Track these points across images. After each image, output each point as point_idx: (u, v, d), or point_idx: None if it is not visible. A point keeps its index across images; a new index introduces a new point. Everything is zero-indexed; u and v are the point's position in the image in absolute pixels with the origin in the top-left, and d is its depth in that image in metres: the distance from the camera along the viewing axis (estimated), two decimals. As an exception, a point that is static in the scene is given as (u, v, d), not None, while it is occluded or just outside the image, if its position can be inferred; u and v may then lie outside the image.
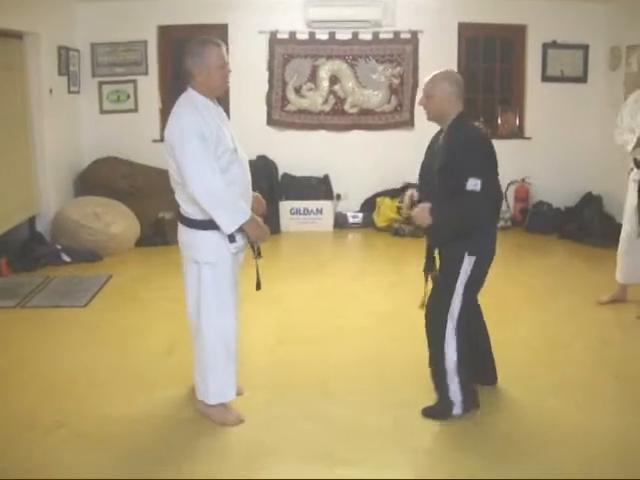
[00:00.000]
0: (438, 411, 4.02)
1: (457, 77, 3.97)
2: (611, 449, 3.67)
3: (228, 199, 3.66)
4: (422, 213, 3.80)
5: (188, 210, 3.78)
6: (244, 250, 3.93)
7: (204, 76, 3.70)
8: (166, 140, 3.67)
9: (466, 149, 3.76)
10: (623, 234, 5.88)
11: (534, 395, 4.29)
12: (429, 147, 4.13)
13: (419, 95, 4.14)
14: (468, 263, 3.85)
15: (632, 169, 5.84)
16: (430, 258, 4.12)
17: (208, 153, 3.62)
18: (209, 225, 3.72)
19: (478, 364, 4.26)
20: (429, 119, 4.02)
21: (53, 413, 4.04)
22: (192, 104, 3.70)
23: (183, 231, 3.88)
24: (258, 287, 4.00)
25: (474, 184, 3.64)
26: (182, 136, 3.59)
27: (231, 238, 3.74)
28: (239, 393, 4.12)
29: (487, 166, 3.76)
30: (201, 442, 3.76)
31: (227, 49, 3.85)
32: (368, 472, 3.51)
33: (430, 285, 4.10)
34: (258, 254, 3.92)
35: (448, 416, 3.98)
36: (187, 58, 3.73)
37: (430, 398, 4.10)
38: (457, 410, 3.97)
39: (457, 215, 3.80)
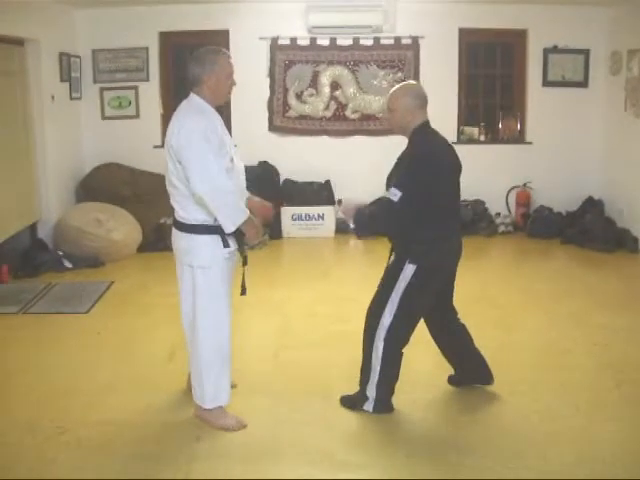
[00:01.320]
0: (351, 402, 4.15)
1: (418, 89, 4.02)
2: (612, 452, 3.66)
3: (231, 199, 3.73)
4: (347, 208, 4.11)
5: (184, 215, 3.82)
6: (235, 256, 3.97)
7: (213, 82, 3.77)
8: (170, 143, 3.70)
9: (404, 161, 3.93)
10: None
11: (535, 398, 4.29)
12: None
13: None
14: (409, 271, 3.89)
15: None
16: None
17: (215, 153, 3.69)
18: (203, 230, 3.79)
19: (468, 366, 4.32)
20: (394, 132, 4.13)
21: (55, 419, 4.03)
22: (197, 109, 3.77)
23: (179, 237, 3.91)
24: (243, 292, 4.07)
25: (394, 194, 3.76)
26: (190, 137, 3.64)
27: (225, 243, 3.81)
28: (232, 386, 4.14)
29: (413, 181, 3.81)
30: (203, 446, 3.75)
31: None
32: (371, 475, 3.51)
33: None
34: (244, 262, 4.00)
35: (358, 409, 4.10)
36: (197, 65, 3.78)
37: (431, 401, 4.11)
38: (368, 406, 4.08)
39: (371, 216, 4.01)
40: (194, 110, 3.77)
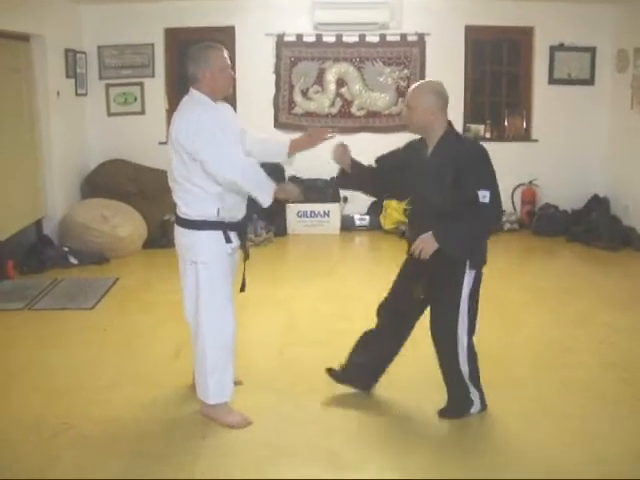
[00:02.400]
0: (456, 410, 4.04)
1: (441, 88, 3.82)
2: (618, 451, 3.66)
3: (260, 174, 3.82)
4: (426, 243, 3.72)
5: (186, 210, 3.84)
6: (237, 252, 4.02)
7: (208, 78, 3.80)
8: (176, 139, 3.71)
9: (473, 161, 3.71)
10: None
11: (539, 397, 4.29)
12: (407, 154, 4.06)
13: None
14: (470, 277, 3.82)
15: None
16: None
17: (227, 139, 3.76)
18: (206, 225, 3.81)
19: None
20: (411, 131, 3.92)
21: (60, 415, 4.04)
22: (199, 102, 3.81)
23: (181, 233, 3.93)
24: (242, 289, 4.10)
25: (483, 196, 3.59)
26: (202, 128, 3.67)
27: (227, 239, 3.84)
28: (238, 383, 4.17)
29: (492, 178, 3.71)
30: (208, 444, 3.76)
31: (233, 52, 3.91)
32: (374, 474, 3.51)
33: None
34: (246, 256, 4.05)
35: (466, 414, 4.01)
36: (191, 63, 3.83)
37: (436, 400, 4.10)
38: (475, 409, 4.01)
39: (470, 229, 3.74)
40: (197, 103, 3.80)
